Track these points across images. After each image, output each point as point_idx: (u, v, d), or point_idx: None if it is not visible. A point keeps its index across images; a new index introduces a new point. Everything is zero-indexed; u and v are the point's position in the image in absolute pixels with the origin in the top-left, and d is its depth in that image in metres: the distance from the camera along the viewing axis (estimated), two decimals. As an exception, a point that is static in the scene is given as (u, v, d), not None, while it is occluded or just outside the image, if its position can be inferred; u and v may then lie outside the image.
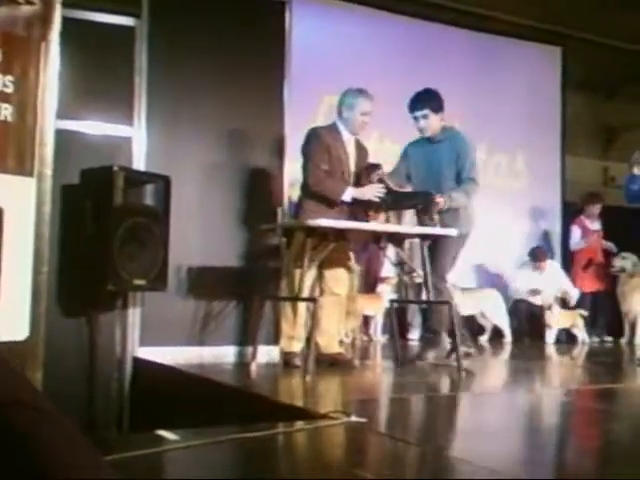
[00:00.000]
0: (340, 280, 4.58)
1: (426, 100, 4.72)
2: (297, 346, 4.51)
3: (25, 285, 3.31)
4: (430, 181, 4.66)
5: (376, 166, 4.50)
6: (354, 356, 5.00)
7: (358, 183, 4.52)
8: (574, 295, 7.42)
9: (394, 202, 4.42)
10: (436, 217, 4.46)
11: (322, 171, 4.39)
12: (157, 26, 4.82)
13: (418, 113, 4.72)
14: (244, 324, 4.83)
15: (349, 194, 4.37)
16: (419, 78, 7.48)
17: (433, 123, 4.75)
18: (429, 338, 5.02)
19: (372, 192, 4.38)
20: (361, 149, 4.64)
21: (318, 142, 4.40)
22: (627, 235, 7.08)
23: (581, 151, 9.66)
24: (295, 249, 4.38)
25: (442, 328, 4.76)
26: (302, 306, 4.48)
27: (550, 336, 7.03)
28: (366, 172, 4.51)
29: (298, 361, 4.44)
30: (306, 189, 4.45)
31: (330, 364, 4.35)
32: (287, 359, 4.48)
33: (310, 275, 4.34)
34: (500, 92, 8.34)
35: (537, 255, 7.56)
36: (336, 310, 4.52)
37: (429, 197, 4.48)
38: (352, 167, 4.54)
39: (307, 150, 4.44)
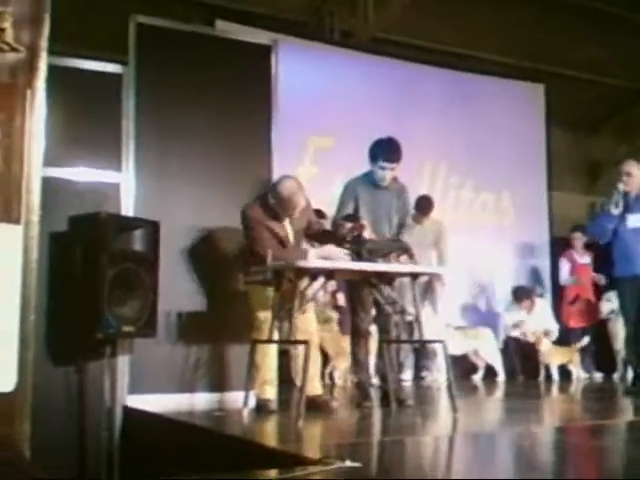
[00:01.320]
0: (308, 318, 4.58)
1: (399, 154, 4.73)
2: (270, 392, 4.54)
3: (12, 334, 3.26)
4: (377, 224, 4.69)
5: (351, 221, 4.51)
6: (332, 398, 4.97)
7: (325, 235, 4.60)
8: (554, 331, 7.42)
9: (370, 253, 4.40)
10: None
11: (275, 246, 4.40)
12: (144, 72, 4.83)
13: (389, 165, 4.72)
14: (235, 369, 4.77)
15: (315, 257, 4.30)
16: (405, 118, 7.61)
17: (393, 175, 4.81)
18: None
19: (338, 253, 4.34)
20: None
21: (257, 224, 4.44)
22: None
23: (567, 187, 9.74)
24: (258, 298, 4.46)
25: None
26: (273, 351, 4.51)
27: (551, 373, 7.02)
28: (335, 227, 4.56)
29: (273, 406, 4.48)
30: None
31: (308, 407, 4.23)
32: (261, 405, 4.49)
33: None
34: (485, 131, 8.41)
35: (519, 295, 7.59)
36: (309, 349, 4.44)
37: (403, 244, 4.58)
38: (291, 233, 4.56)
39: (249, 234, 4.47)
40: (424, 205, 6.97)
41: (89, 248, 4.19)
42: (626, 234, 5.41)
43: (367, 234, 4.44)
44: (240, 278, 4.82)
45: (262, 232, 4.45)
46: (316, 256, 4.32)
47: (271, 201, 4.50)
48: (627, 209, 5.41)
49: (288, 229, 4.59)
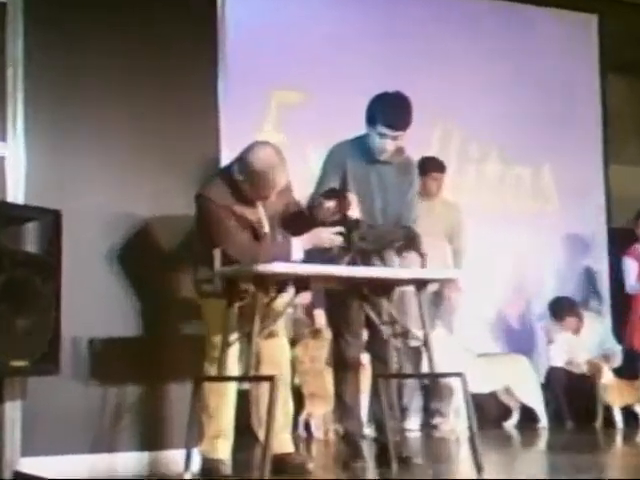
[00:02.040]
0: (277, 344, 4.62)
1: (408, 117, 4.73)
2: (224, 449, 4.52)
3: None
4: (368, 211, 4.68)
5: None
6: (308, 457, 4.98)
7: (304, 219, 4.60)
8: (617, 353, 7.47)
9: (363, 240, 4.40)
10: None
11: (248, 241, 4.42)
12: (38, 4, 4.79)
13: (392, 132, 4.72)
14: (173, 418, 4.76)
15: (299, 249, 4.36)
16: (401, 63, 7.60)
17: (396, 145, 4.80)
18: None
19: (327, 235, 4.40)
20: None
21: (221, 210, 4.40)
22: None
23: (631, 158, 9.72)
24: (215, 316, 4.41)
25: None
26: (232, 391, 4.51)
27: (612, 416, 7.03)
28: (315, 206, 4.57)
29: (226, 470, 4.47)
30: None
31: (276, 469, 4.16)
32: (210, 468, 4.47)
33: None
34: (516, 81, 8.42)
35: (559, 311, 7.58)
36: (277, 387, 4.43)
37: (410, 232, 4.64)
38: (265, 221, 4.55)
39: (210, 225, 4.43)
40: (431, 165, 6.97)
41: (-38, 250, 4.15)
42: None
43: (355, 213, 4.42)
44: (183, 287, 4.82)
45: (229, 221, 4.38)
46: (303, 246, 4.34)
47: (238, 177, 4.43)
48: None
49: (262, 215, 4.54)
